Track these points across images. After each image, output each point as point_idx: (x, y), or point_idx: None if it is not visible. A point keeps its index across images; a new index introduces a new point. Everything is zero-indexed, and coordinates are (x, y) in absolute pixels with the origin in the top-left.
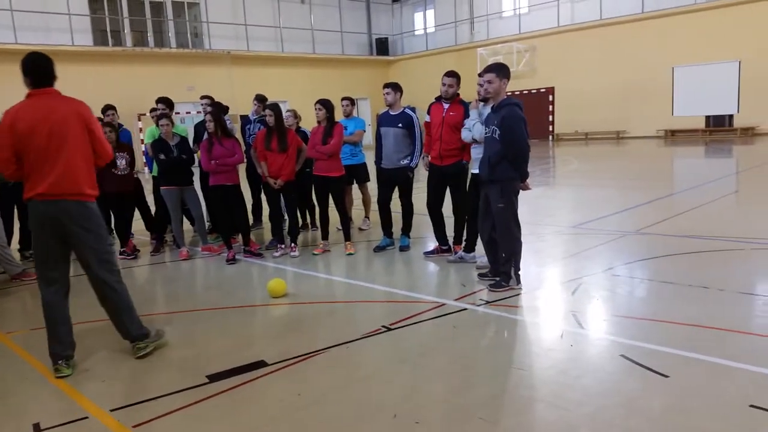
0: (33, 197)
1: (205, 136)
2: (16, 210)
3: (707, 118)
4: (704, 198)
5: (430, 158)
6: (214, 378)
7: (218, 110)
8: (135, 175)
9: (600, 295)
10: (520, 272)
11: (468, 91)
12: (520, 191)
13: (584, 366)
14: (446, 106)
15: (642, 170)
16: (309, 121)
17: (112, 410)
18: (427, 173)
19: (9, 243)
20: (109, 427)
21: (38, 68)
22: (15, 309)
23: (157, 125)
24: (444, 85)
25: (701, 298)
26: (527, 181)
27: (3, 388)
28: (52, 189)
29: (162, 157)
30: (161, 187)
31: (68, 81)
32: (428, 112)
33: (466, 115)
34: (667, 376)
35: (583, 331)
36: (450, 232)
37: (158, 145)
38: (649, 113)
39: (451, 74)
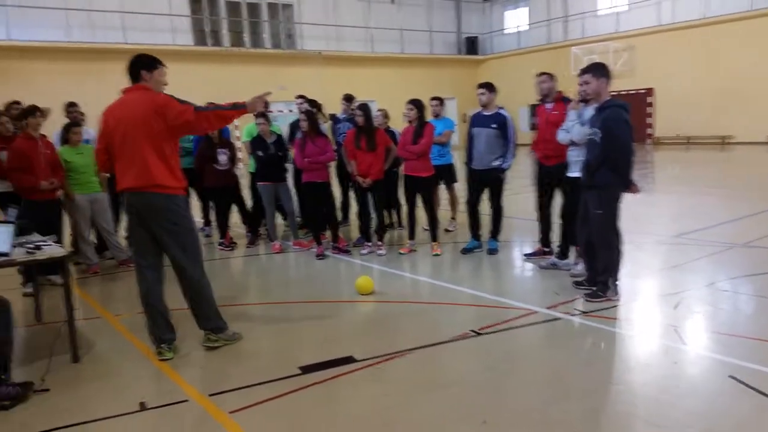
0: (122, 190)
1: (299, 134)
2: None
3: None
4: None
5: (538, 156)
6: (306, 370)
7: (313, 110)
8: (234, 171)
9: (704, 311)
10: (618, 282)
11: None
12: (624, 195)
13: (688, 385)
14: (548, 105)
15: (750, 179)
16: (396, 121)
17: (210, 395)
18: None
19: (116, 230)
20: (208, 411)
21: (128, 66)
22: (122, 293)
23: (256, 123)
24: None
25: None
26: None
27: (112, 367)
28: (135, 182)
29: (260, 154)
30: (257, 183)
31: (170, 79)
32: (535, 114)
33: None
34: None
35: (687, 347)
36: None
37: (256, 142)
38: (757, 117)
39: (543, 73)
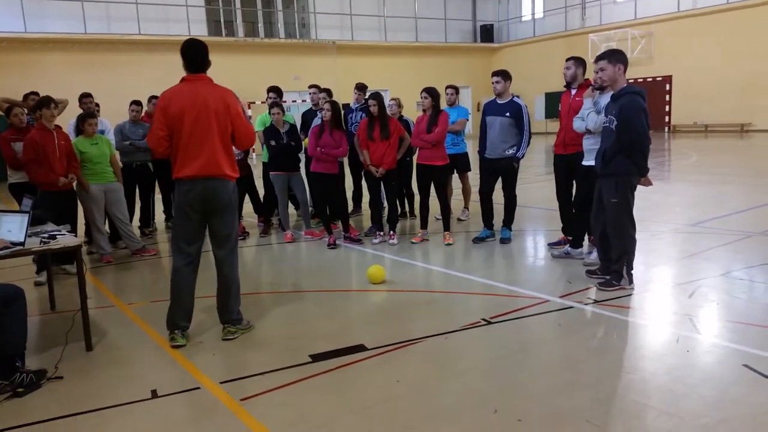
0: (182, 178)
1: (318, 122)
2: (137, 190)
3: None
4: None
5: (554, 148)
6: (316, 358)
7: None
8: (247, 161)
9: (719, 300)
10: (632, 271)
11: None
12: (638, 186)
13: (702, 374)
14: (573, 92)
15: None
16: (409, 110)
17: (221, 382)
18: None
19: (130, 220)
20: (219, 398)
21: (190, 54)
22: (135, 282)
23: (270, 113)
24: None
25: None
26: (648, 176)
27: (124, 355)
28: (201, 171)
29: (273, 143)
30: (270, 173)
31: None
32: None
33: None
34: None
35: (701, 336)
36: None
37: (269, 132)
38: None
39: (570, 58)
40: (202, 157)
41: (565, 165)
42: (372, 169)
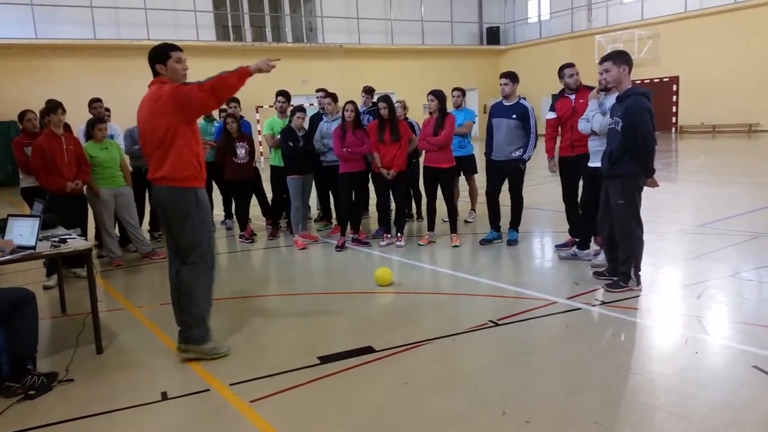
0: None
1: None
2: (147, 194)
3: None
4: None
5: (559, 150)
6: (324, 360)
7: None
8: (253, 164)
9: (728, 301)
10: (640, 273)
11: (585, 80)
12: (645, 187)
13: (711, 376)
14: (572, 96)
15: None
16: (416, 113)
17: (231, 384)
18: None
19: (140, 224)
20: (229, 400)
21: (148, 62)
22: (145, 285)
23: (287, 116)
24: (565, 77)
25: None
26: (654, 177)
27: (134, 358)
28: (151, 174)
29: (290, 144)
30: (287, 176)
31: (193, 74)
32: (552, 109)
33: None
34: None
35: (709, 338)
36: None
37: (288, 133)
38: None
39: (571, 65)
40: (153, 161)
41: (573, 166)
42: (383, 171)
